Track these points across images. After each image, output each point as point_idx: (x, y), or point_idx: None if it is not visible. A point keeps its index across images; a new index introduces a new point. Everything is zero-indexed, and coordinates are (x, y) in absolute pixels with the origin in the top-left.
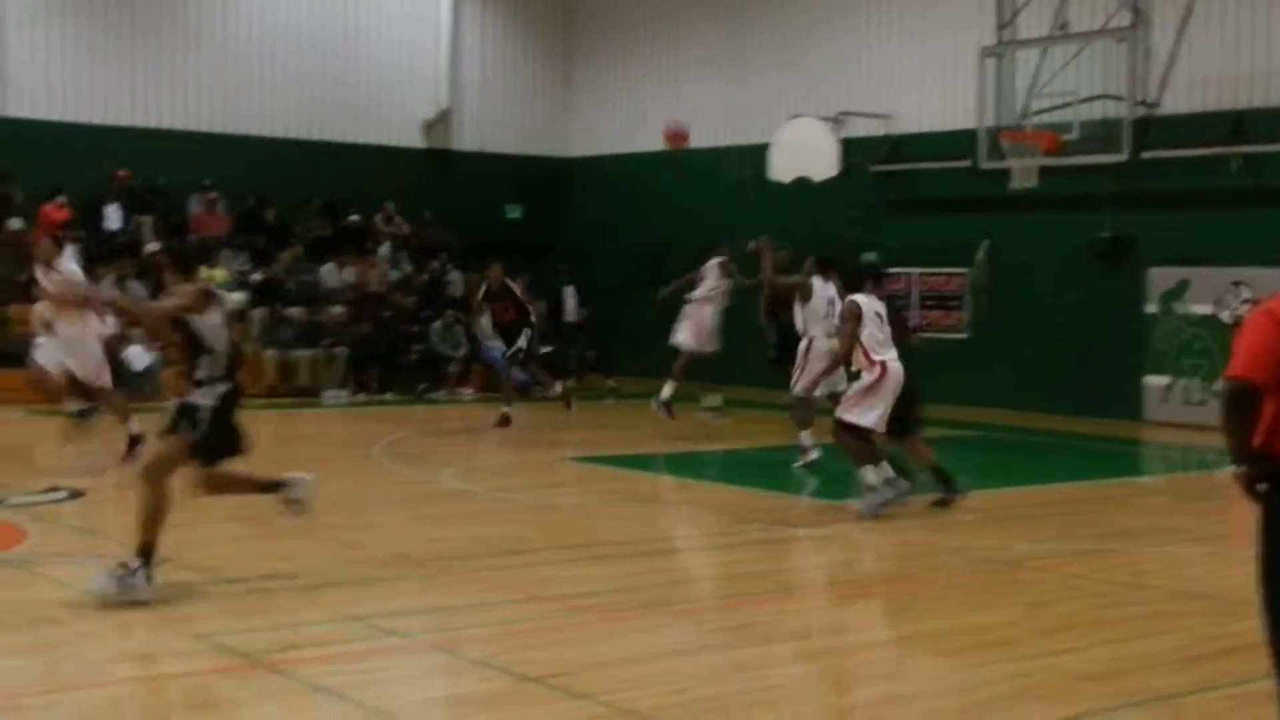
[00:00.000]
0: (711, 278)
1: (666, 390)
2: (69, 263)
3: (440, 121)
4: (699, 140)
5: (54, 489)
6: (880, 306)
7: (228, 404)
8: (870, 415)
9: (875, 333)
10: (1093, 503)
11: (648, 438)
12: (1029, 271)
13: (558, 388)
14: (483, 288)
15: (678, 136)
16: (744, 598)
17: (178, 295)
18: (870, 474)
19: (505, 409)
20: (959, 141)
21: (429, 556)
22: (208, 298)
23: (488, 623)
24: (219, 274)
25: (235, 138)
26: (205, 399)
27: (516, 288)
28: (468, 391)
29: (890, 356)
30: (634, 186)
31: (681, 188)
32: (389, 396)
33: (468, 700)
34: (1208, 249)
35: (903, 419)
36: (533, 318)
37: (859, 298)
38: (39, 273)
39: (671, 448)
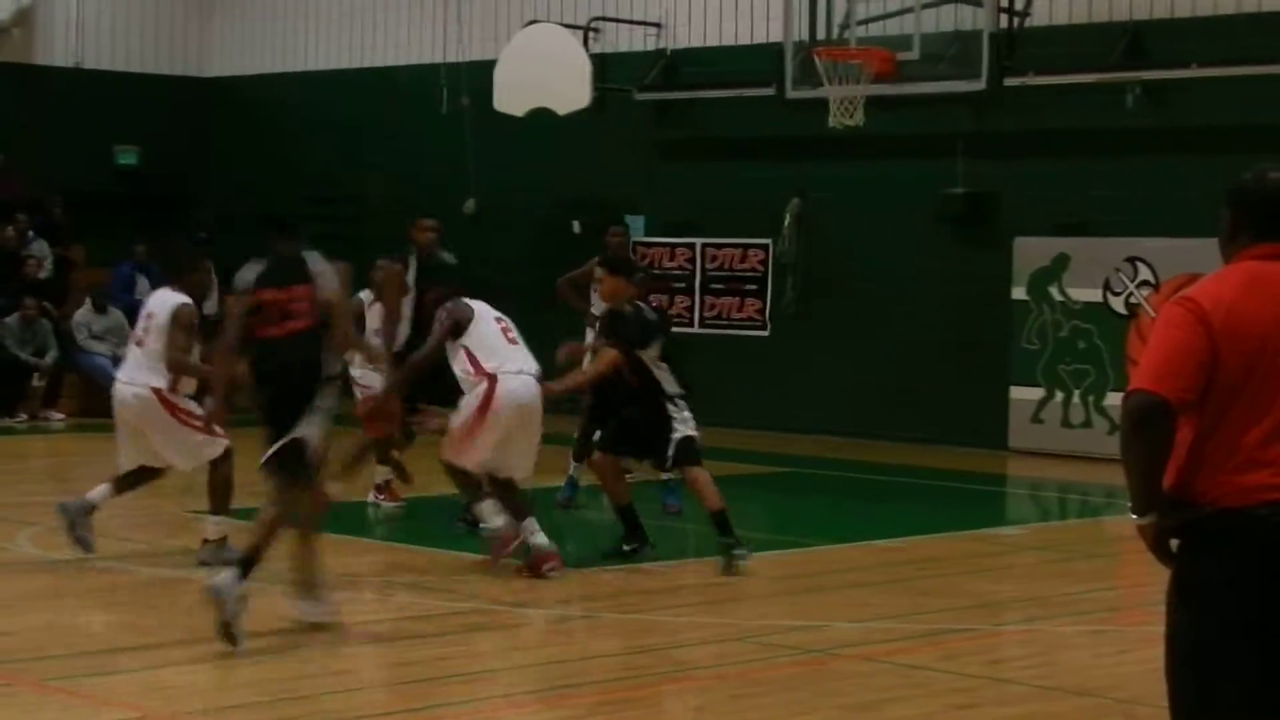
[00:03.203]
0: None
1: None
2: None
3: (18, 25)
4: (398, 58)
5: None
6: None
7: None
8: None
9: None
10: (939, 564)
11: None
12: (854, 242)
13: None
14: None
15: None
16: (448, 709)
17: None
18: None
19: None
20: (758, 61)
21: None
22: None
23: None
24: None
25: None
26: None
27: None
28: (58, 415)
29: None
30: (306, 119)
31: (376, 122)
32: None
33: None
34: (1094, 211)
35: None
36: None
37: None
38: None
39: (357, 494)
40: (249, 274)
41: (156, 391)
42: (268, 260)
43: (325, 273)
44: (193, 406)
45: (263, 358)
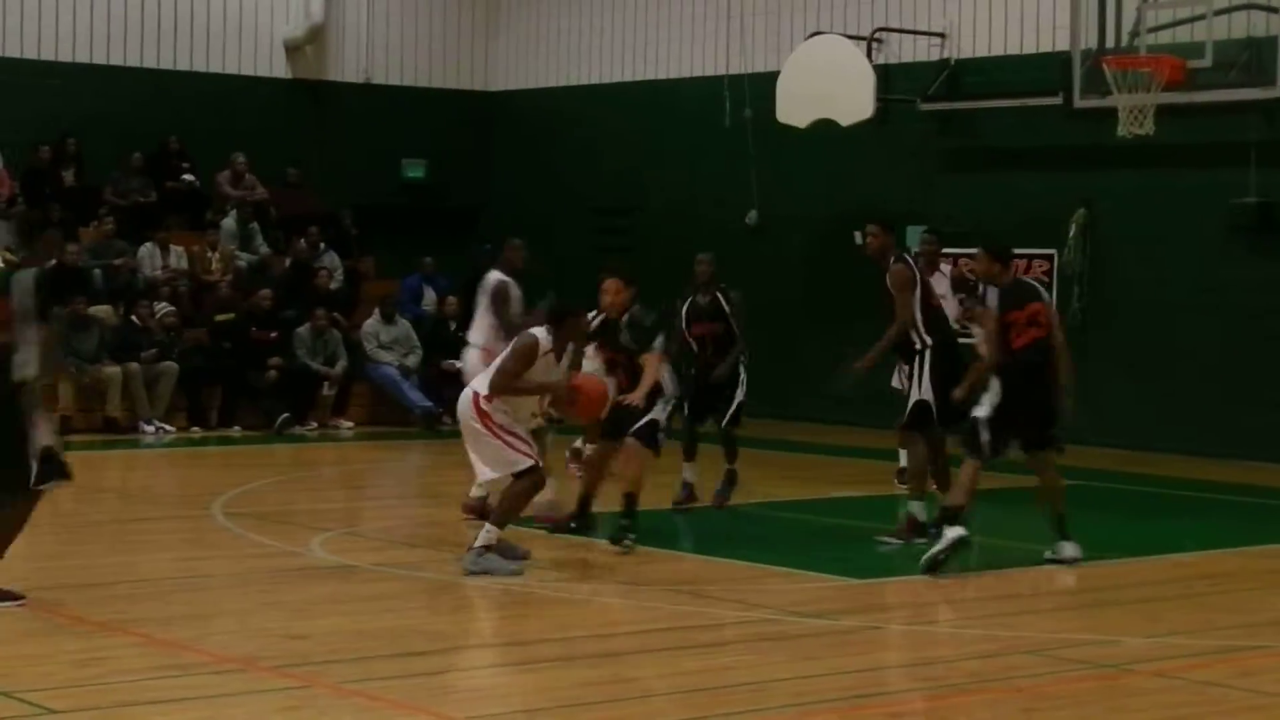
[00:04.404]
0: None
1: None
2: None
3: (310, 42)
4: (681, 70)
5: None
6: None
7: None
8: None
9: None
10: (1233, 580)
11: (605, 491)
12: (1142, 253)
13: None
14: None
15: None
16: (734, 718)
17: None
18: None
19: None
20: (1043, 70)
21: (290, 661)
22: None
23: None
24: None
25: (15, 63)
26: None
27: None
28: (347, 424)
29: None
30: (589, 132)
31: (659, 134)
32: (236, 432)
33: None
34: None
35: None
36: None
37: None
38: None
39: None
40: (992, 298)
41: (475, 397)
42: (1003, 287)
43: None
44: (507, 420)
45: (1016, 366)
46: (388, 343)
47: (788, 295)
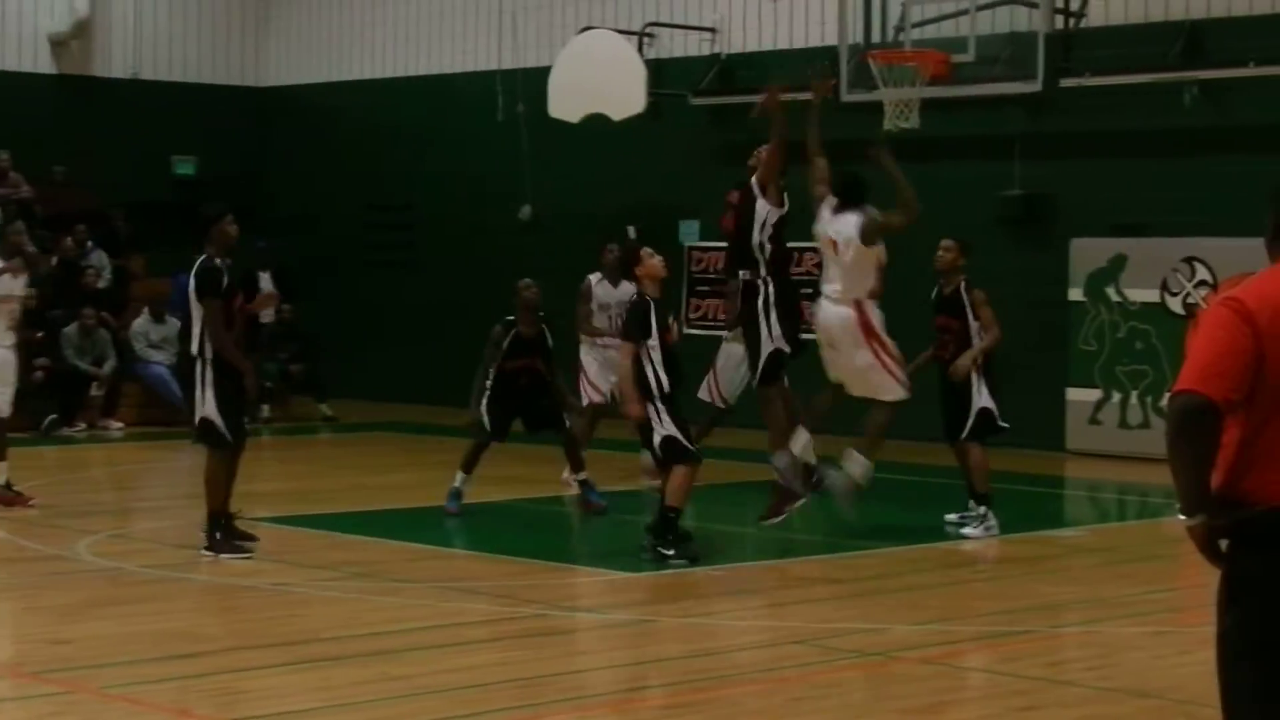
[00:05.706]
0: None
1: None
2: None
3: (76, 37)
4: (454, 65)
5: None
6: None
7: None
8: None
9: None
10: (998, 567)
11: (379, 488)
12: (909, 245)
13: None
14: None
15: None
16: (505, 714)
17: None
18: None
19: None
20: (813, 64)
21: (53, 667)
22: None
23: None
24: None
25: None
26: None
27: None
28: (117, 424)
29: None
30: (362, 127)
31: (432, 129)
32: None
33: None
34: (1151, 212)
35: None
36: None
37: None
38: None
39: (413, 500)
40: None
41: (857, 305)
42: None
43: None
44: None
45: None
46: (158, 341)
47: (560, 291)
